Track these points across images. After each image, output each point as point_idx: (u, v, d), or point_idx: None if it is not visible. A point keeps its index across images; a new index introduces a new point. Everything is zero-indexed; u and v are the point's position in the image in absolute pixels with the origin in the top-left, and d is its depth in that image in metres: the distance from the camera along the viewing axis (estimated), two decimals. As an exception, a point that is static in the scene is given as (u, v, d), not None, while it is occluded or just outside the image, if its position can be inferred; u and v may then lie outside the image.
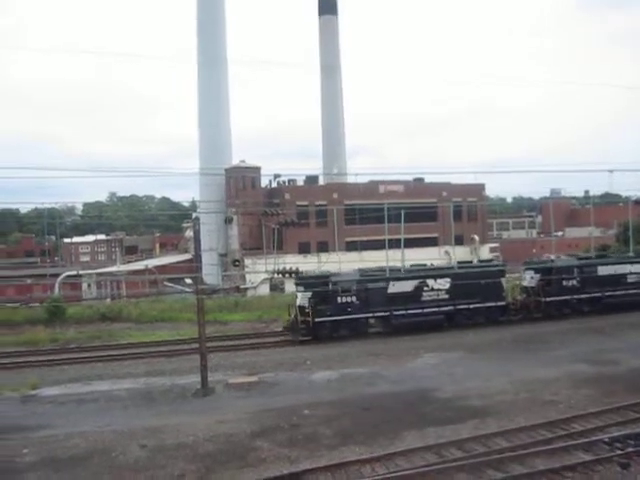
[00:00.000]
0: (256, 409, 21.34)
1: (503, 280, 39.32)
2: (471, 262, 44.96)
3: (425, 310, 36.75)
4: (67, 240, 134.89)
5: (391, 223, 44.97)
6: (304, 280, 37.29)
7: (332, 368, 27.51)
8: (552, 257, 45.51)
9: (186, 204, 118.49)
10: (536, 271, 40.69)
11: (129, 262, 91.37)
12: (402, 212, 40.72)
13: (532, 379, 23.75)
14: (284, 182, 73.97)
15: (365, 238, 67.16)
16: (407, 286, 36.57)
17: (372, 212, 63.27)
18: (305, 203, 70.13)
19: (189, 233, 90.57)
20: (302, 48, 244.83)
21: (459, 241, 72.63)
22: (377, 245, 56.54)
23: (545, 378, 23.83)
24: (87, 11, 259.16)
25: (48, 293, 57.89)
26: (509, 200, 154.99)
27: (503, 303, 38.72)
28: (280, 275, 51.60)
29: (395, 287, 36.40)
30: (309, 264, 55.97)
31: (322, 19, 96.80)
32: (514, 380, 23.67)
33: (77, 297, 60.82)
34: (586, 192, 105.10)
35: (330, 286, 35.53)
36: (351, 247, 68.52)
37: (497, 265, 41.63)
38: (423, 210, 66.07)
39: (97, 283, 69.92)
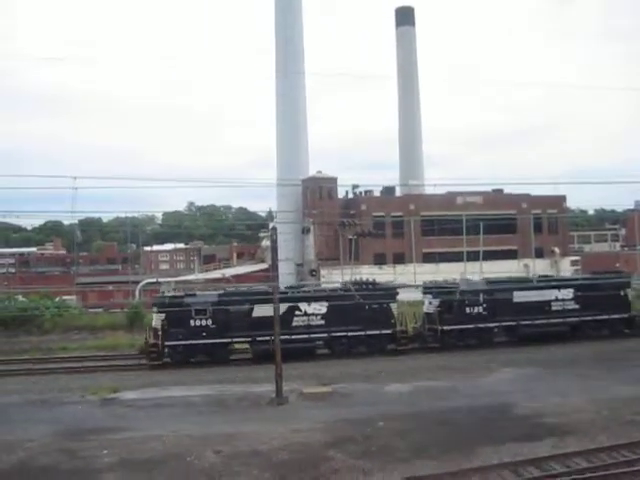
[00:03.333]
0: (330, 419, 21.23)
1: (393, 305, 35.97)
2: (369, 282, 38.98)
3: (294, 337, 33.38)
4: (147, 248, 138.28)
5: (469, 235, 44.29)
6: (158, 300, 35.18)
7: (405, 381, 27.17)
8: (457, 280, 41.25)
9: (263, 214, 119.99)
10: (435, 295, 37.06)
11: (207, 271, 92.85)
12: (481, 224, 39.94)
13: (612, 397, 22.84)
14: (361, 193, 73.95)
15: (442, 250, 66.33)
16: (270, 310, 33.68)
17: (450, 223, 62.51)
18: (381, 214, 69.89)
19: (266, 243, 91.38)
20: (378, 59, 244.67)
21: (539, 254, 71.01)
22: (455, 257, 55.82)
23: (626, 396, 22.88)
24: (164, 23, 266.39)
25: (129, 299, 59.33)
26: (591, 212, 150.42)
27: (389, 331, 35.30)
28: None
29: (260, 311, 33.18)
30: (385, 275, 55.59)
31: (399, 30, 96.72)
32: (593, 398, 22.82)
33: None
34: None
35: (184, 307, 33.26)
36: (428, 259, 67.76)
37: (387, 289, 37.75)
38: (502, 222, 64.87)
39: (175, 291, 71.18)
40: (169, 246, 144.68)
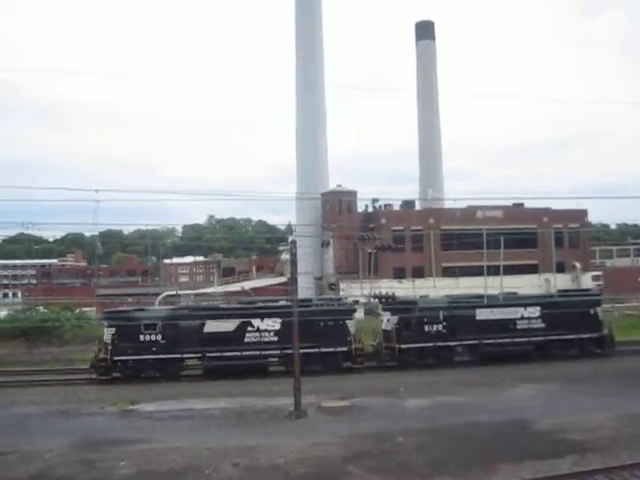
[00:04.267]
0: (348, 433, 21.12)
1: (350, 322, 35.11)
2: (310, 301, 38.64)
3: (245, 353, 33.30)
4: (167, 261, 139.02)
5: (489, 249, 44.03)
6: (109, 314, 35.01)
7: (425, 396, 26.98)
8: (418, 297, 40.34)
9: (282, 227, 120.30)
10: (393, 312, 35.90)
11: (226, 283, 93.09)
12: (501, 238, 39.65)
13: (634, 414, 22.46)
14: (380, 207, 73.92)
15: (462, 264, 65.95)
16: (229, 326, 33.76)
17: (470, 238, 62.23)
18: (401, 228, 69.78)
19: (285, 256, 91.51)
20: (398, 72, 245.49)
21: (560, 269, 70.43)
22: (475, 271, 55.49)
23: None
24: (181, 35, 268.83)
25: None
26: (613, 226, 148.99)
27: (344, 349, 34.47)
28: (376, 300, 51.27)
29: (211, 326, 33.48)
30: (404, 289, 55.40)
31: (419, 44, 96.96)
32: (615, 414, 22.48)
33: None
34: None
35: (133, 322, 32.99)
36: (448, 273, 67.42)
37: (344, 304, 37.65)
38: (523, 236, 64.43)
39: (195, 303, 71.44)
40: (189, 259, 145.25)
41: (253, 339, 34.08)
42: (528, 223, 71.07)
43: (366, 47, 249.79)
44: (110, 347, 32.67)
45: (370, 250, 62.71)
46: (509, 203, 70.20)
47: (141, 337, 33.05)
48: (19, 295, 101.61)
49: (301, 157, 76.08)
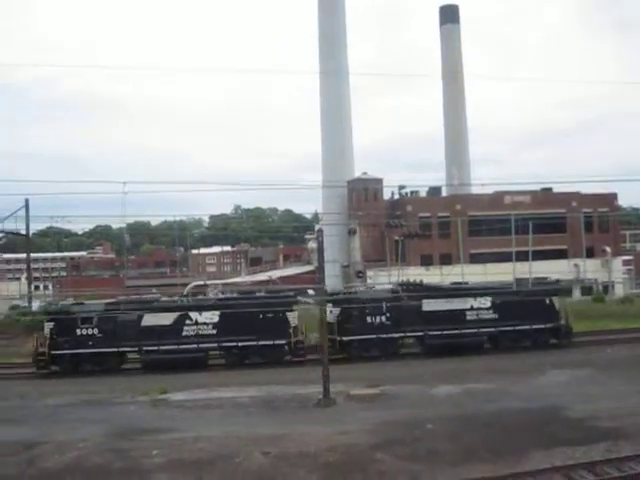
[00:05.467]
0: (377, 421, 21.08)
1: (290, 314, 34.54)
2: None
3: (184, 347, 33.17)
4: (195, 251, 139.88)
5: (518, 235, 43.55)
6: (47, 309, 35.06)
7: (453, 383, 26.87)
8: (361, 288, 39.15)
9: (308, 216, 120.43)
10: (335, 304, 34.76)
11: (253, 273, 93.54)
12: (530, 223, 39.12)
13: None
14: (407, 193, 73.60)
15: (490, 250, 65.49)
16: (166, 319, 33.53)
17: (497, 223, 61.73)
18: (427, 215, 69.43)
19: (312, 245, 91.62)
20: (423, 57, 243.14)
21: (590, 253, 69.69)
22: (503, 257, 55.05)
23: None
24: (205, 30, 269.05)
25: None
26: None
27: (282, 341, 33.95)
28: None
29: (149, 320, 33.31)
30: (431, 276, 55.20)
31: (443, 28, 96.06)
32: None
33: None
34: None
35: (70, 316, 33.05)
36: (476, 259, 66.98)
37: (287, 297, 36.98)
38: (551, 221, 63.78)
39: (222, 293, 71.78)
40: (216, 249, 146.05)
41: (191, 332, 33.78)
42: (557, 208, 70.39)
43: (390, 33, 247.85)
44: (48, 341, 32.82)
45: (397, 237, 62.50)
46: (537, 188, 69.59)
47: (77, 331, 33.06)
48: (50, 287, 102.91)
49: (326, 145, 76.02)
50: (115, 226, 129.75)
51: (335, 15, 76.52)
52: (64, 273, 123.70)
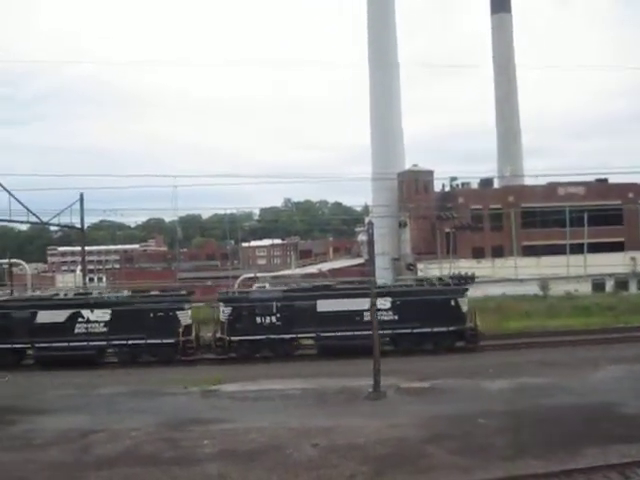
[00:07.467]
0: (427, 415, 20.95)
1: (180, 313, 34.06)
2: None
3: (74, 344, 33.02)
4: (245, 244, 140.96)
5: (572, 227, 42.60)
6: None
7: (505, 377, 26.47)
8: (256, 287, 39.19)
9: (358, 209, 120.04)
10: (226, 303, 34.71)
11: (303, 265, 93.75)
12: (585, 215, 38.11)
13: None
14: (458, 185, 72.81)
15: (544, 242, 64.26)
16: (60, 317, 33.40)
17: (551, 215, 60.58)
18: (479, 207, 68.55)
19: (362, 237, 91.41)
20: (474, 47, 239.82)
21: (648, 246, 67.83)
22: (557, 250, 54.01)
23: None
24: (252, 22, 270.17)
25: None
26: None
27: (171, 340, 33.31)
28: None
29: (43, 317, 33.25)
30: (483, 269, 54.52)
31: (494, 17, 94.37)
32: None
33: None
34: None
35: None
36: (529, 252, 65.80)
37: (178, 296, 36.54)
38: (607, 213, 62.24)
39: (273, 285, 72.15)
40: (266, 242, 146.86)
41: (83, 330, 33.68)
42: (612, 199, 68.47)
43: (440, 23, 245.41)
44: None
45: (448, 230, 61.90)
46: (592, 179, 67.96)
47: None
48: (104, 279, 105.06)
49: (376, 137, 75.54)
50: (167, 219, 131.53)
51: (385, 5, 75.94)
52: (117, 265, 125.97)
